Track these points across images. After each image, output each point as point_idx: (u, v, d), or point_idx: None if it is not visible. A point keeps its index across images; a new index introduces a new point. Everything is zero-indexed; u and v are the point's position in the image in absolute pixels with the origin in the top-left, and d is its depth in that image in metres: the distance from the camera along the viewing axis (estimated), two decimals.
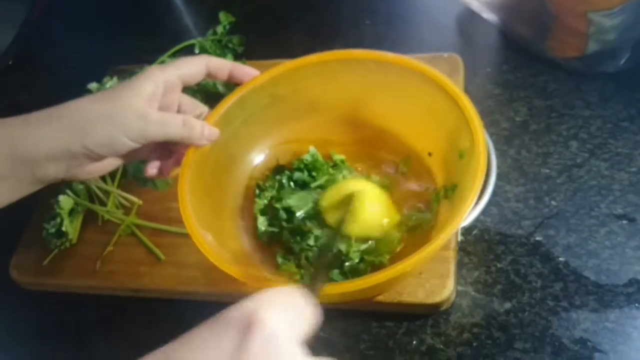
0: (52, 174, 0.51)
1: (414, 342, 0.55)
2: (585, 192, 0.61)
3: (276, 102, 0.62)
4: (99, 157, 0.52)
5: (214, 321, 0.32)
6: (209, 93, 0.74)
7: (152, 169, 0.57)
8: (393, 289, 0.55)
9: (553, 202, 0.61)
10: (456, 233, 0.58)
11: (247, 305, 0.32)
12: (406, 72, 0.57)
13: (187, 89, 0.65)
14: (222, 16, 0.84)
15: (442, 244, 0.45)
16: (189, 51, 0.83)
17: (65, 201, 0.66)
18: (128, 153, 0.53)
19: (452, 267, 0.56)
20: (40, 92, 0.92)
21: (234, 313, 0.32)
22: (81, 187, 0.69)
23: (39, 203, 0.71)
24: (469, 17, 0.80)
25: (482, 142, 0.48)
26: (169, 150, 0.57)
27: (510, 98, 0.71)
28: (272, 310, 0.32)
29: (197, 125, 0.54)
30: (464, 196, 0.47)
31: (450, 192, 0.55)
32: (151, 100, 0.52)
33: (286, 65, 0.60)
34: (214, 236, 0.53)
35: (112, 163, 0.54)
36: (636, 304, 0.53)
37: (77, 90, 0.74)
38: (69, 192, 0.68)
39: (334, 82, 0.62)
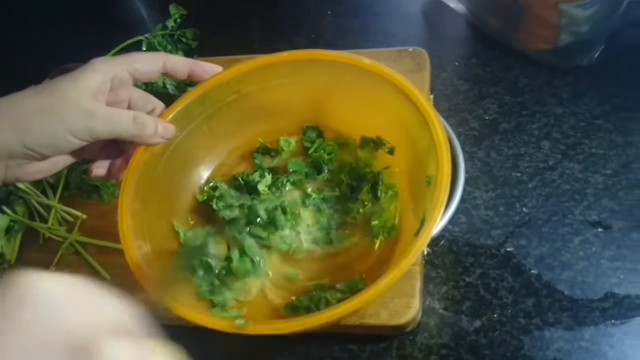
0: None
1: None
2: (558, 197, 0.58)
3: (242, 99, 0.58)
4: (42, 157, 0.47)
5: None
6: (157, 94, 0.68)
7: (99, 168, 0.52)
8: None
9: (524, 209, 0.57)
10: None
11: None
12: (380, 80, 0.52)
13: None
14: (173, 9, 0.78)
15: (403, 271, 0.41)
16: (136, 48, 0.76)
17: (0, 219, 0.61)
18: (74, 152, 0.48)
19: (417, 285, 0.52)
20: None
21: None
22: (20, 201, 0.64)
23: None
24: (436, 8, 0.75)
25: (447, 174, 0.44)
26: (119, 148, 0.53)
27: (480, 94, 0.67)
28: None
29: (149, 122, 0.49)
30: (427, 226, 0.43)
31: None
32: (97, 95, 0.47)
33: (255, 61, 0.56)
34: (155, 245, 0.51)
35: (58, 162, 0.49)
36: (612, 321, 0.50)
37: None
38: (5, 208, 0.62)
39: (304, 82, 0.57)
